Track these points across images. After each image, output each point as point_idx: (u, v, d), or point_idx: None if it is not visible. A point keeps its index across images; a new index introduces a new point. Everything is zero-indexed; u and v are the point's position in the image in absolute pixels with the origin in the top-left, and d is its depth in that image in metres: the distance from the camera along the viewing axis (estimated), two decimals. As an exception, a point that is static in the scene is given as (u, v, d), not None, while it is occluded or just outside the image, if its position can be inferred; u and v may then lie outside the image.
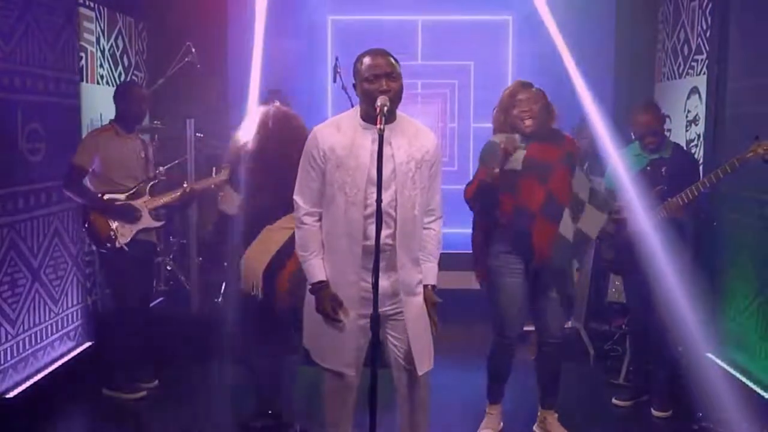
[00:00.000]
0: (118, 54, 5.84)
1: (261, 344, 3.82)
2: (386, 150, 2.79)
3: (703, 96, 5.18)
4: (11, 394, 4.14)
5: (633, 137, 4.43)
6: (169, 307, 5.82)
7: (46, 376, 4.47)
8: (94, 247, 4.85)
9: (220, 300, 5.68)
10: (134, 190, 4.50)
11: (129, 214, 4.43)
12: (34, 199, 4.42)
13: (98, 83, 5.49)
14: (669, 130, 5.55)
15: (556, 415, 4.02)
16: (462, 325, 5.48)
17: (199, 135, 5.64)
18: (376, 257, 2.69)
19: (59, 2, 4.68)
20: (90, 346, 5.01)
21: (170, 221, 5.75)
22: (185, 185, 4.65)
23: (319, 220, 3.01)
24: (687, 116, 5.49)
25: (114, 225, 4.41)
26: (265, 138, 3.66)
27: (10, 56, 4.15)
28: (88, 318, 5.07)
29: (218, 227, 3.80)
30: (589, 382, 4.95)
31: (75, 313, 4.94)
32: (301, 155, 3.03)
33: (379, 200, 2.71)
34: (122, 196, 4.45)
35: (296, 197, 3.04)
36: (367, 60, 2.91)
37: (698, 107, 5.28)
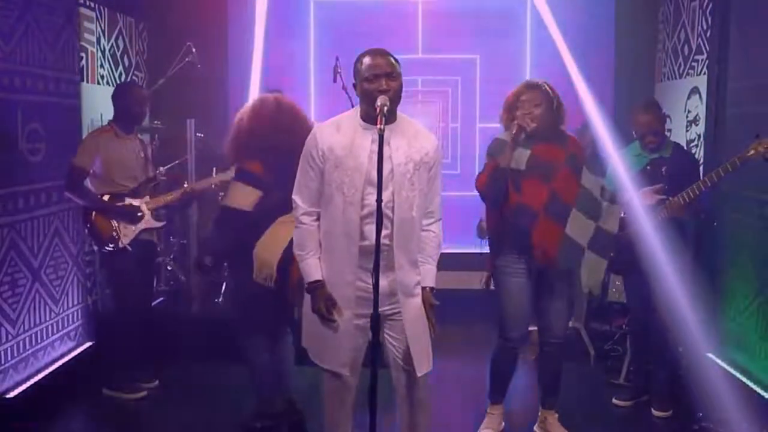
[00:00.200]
0: (118, 54, 5.84)
1: (266, 337, 3.86)
2: (384, 150, 2.79)
3: (704, 96, 5.18)
4: (11, 394, 4.14)
5: (634, 136, 4.42)
6: (169, 307, 5.82)
7: (46, 376, 4.47)
8: (95, 247, 4.86)
9: (220, 300, 5.69)
10: (135, 190, 4.51)
11: (131, 215, 4.44)
12: (34, 199, 4.42)
13: (98, 83, 5.49)
14: (669, 130, 5.55)
15: (557, 415, 4.02)
16: (462, 325, 5.49)
17: (199, 135, 5.63)
18: (377, 257, 2.69)
19: (59, 2, 4.68)
20: (90, 346, 5.01)
21: (170, 221, 5.75)
22: (186, 185, 4.65)
23: (317, 219, 3.01)
24: (687, 116, 5.49)
25: (116, 225, 4.41)
26: (278, 131, 3.65)
27: (10, 56, 4.15)
28: (88, 318, 5.07)
29: (221, 230, 3.75)
30: (589, 382, 4.95)
31: (75, 313, 4.94)
32: None
33: (379, 200, 2.71)
34: (127, 200, 4.46)
35: (295, 196, 3.05)
36: (367, 60, 2.91)
37: (698, 107, 5.28)
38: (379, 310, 2.78)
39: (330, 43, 6.50)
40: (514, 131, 3.61)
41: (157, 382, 4.71)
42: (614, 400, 4.53)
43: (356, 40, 6.19)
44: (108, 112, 4.69)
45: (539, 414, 4.06)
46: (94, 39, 5.43)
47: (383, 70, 2.87)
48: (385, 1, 6.71)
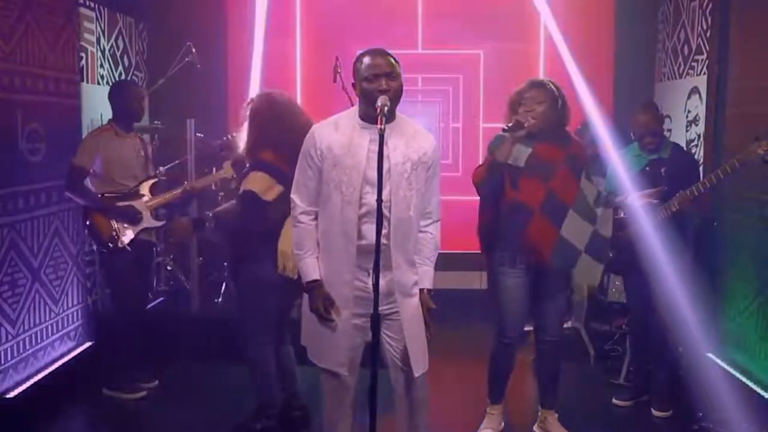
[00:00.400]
0: (118, 54, 5.84)
1: (271, 334, 3.90)
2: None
3: (704, 96, 5.18)
4: (11, 394, 4.14)
5: (632, 137, 4.43)
6: (169, 307, 5.82)
7: (46, 376, 4.47)
8: (94, 247, 4.86)
9: (220, 300, 5.69)
10: (135, 189, 4.51)
11: (130, 215, 4.44)
12: (34, 199, 4.42)
13: (98, 83, 5.49)
14: (669, 130, 5.56)
15: (557, 415, 4.02)
16: (462, 325, 5.49)
17: (199, 135, 5.64)
18: (377, 257, 2.69)
19: (59, 2, 4.68)
20: (90, 346, 5.01)
21: (170, 221, 5.75)
22: (186, 184, 4.65)
23: (315, 218, 3.02)
24: (687, 116, 5.49)
25: (116, 225, 4.41)
26: (293, 126, 3.64)
27: (10, 56, 4.15)
28: (88, 318, 5.07)
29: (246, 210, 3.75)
30: (589, 382, 4.95)
31: (75, 313, 4.94)
32: None
33: (379, 200, 2.71)
34: (128, 201, 4.46)
35: (293, 196, 3.05)
36: (366, 59, 2.91)
37: (698, 107, 5.28)
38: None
39: (324, 38, 6.43)
40: (510, 124, 3.61)
41: (157, 382, 4.72)
42: (614, 400, 4.53)
43: (353, 34, 6.20)
44: (108, 112, 4.69)
45: (539, 414, 4.06)
46: (93, 39, 5.43)
47: (383, 70, 2.87)
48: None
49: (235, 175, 4.26)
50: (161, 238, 5.87)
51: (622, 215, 4.27)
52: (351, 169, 2.90)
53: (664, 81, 6.06)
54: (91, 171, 4.40)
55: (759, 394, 4.15)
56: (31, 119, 4.35)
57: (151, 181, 4.60)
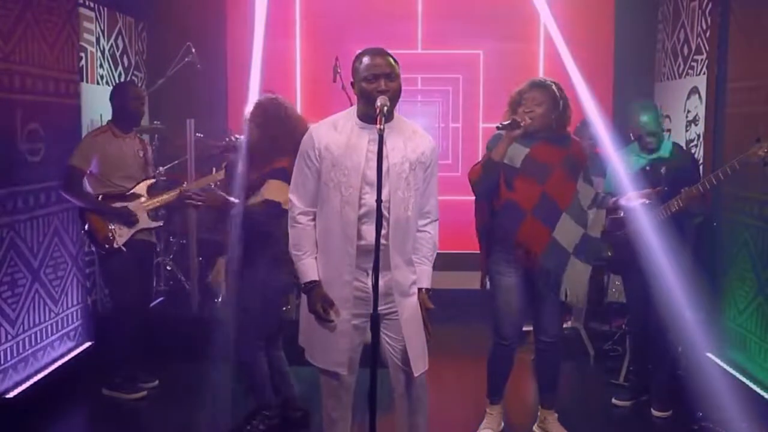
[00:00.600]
0: (118, 54, 5.84)
1: (270, 335, 3.92)
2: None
3: (703, 96, 5.19)
4: (11, 394, 4.14)
5: (632, 137, 4.42)
6: (169, 307, 5.82)
7: (46, 376, 4.48)
8: (93, 248, 4.86)
9: (220, 300, 5.69)
10: (132, 190, 4.50)
11: (125, 217, 4.43)
12: (34, 199, 4.42)
13: (98, 83, 5.49)
14: (669, 130, 5.56)
15: (556, 415, 4.02)
16: (461, 325, 5.50)
17: (199, 135, 5.64)
18: (376, 257, 2.69)
19: (59, 2, 4.68)
20: (90, 346, 5.02)
21: (170, 221, 5.75)
22: (183, 185, 4.65)
23: (313, 219, 3.01)
24: (687, 116, 5.49)
25: (111, 226, 4.41)
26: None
27: (10, 56, 4.15)
28: (88, 318, 5.07)
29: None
30: (589, 382, 4.96)
31: (75, 313, 4.94)
32: None
33: (379, 200, 2.71)
34: (124, 202, 4.46)
35: (291, 196, 3.05)
36: (366, 59, 2.91)
37: (698, 107, 5.28)
38: (376, 309, 2.78)
39: (324, 37, 6.43)
40: (504, 122, 3.60)
41: (156, 382, 4.72)
42: (614, 400, 4.53)
43: (353, 34, 6.20)
44: (108, 112, 4.69)
45: (539, 414, 4.06)
46: (93, 39, 5.44)
47: (382, 70, 2.87)
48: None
49: (222, 177, 4.25)
50: (161, 238, 5.89)
51: (621, 215, 4.27)
52: (350, 169, 2.90)
53: (663, 81, 6.06)
54: (88, 172, 4.40)
55: (759, 394, 4.16)
56: (31, 119, 4.35)
57: (148, 182, 4.60)
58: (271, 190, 3.68)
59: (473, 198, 3.90)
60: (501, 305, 3.81)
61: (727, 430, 3.95)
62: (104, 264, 4.62)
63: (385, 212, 2.88)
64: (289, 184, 3.58)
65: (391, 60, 2.92)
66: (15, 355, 4.25)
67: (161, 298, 5.90)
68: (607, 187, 4.32)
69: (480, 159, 3.85)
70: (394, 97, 2.89)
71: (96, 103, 5.33)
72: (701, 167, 4.79)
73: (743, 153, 3.78)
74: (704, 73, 5.18)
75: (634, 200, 4.12)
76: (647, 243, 4.06)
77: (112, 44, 5.74)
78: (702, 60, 5.25)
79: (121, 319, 4.55)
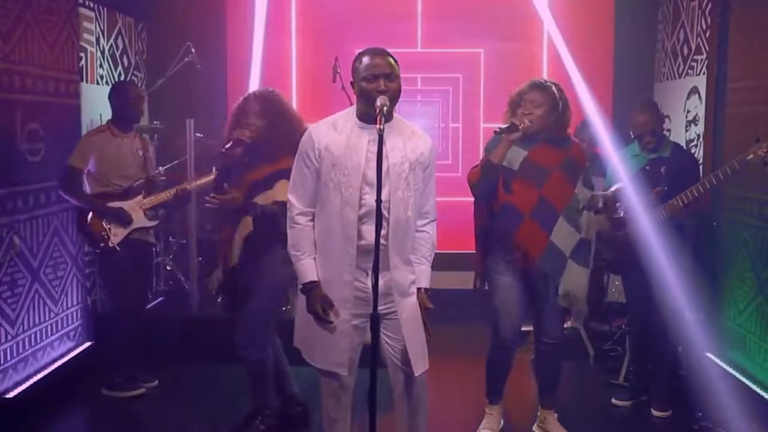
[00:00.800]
0: (117, 54, 5.84)
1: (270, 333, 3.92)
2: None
3: (703, 96, 5.19)
4: (11, 394, 4.14)
5: (632, 137, 4.43)
6: (169, 307, 5.81)
7: (46, 376, 4.48)
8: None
9: (219, 300, 5.67)
10: (129, 189, 4.50)
11: (119, 216, 4.43)
12: (34, 199, 4.42)
13: (98, 83, 5.49)
14: (669, 130, 5.56)
15: (556, 415, 4.02)
16: (460, 325, 5.50)
17: (199, 135, 5.64)
18: (376, 257, 2.69)
19: (59, 2, 4.68)
20: (90, 346, 5.02)
21: (170, 221, 5.75)
22: (181, 185, 4.65)
23: (312, 219, 3.01)
24: (687, 116, 5.49)
25: (107, 225, 4.41)
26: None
27: (10, 56, 4.15)
28: (87, 318, 5.07)
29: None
30: (589, 382, 4.96)
31: (75, 313, 4.94)
32: None
33: (378, 200, 2.71)
34: (121, 202, 4.45)
35: (290, 196, 3.05)
36: (366, 59, 2.91)
37: (698, 107, 5.29)
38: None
39: (324, 37, 6.40)
40: (503, 126, 3.60)
41: (156, 382, 4.71)
42: (614, 400, 4.52)
43: (352, 33, 6.19)
44: (107, 112, 4.69)
45: (538, 414, 4.06)
46: (93, 39, 5.43)
47: (382, 70, 2.87)
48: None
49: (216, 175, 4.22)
50: (161, 238, 5.88)
51: (621, 215, 4.27)
52: (350, 169, 2.90)
53: (663, 81, 6.06)
54: (87, 171, 4.40)
55: (759, 394, 4.16)
56: (30, 119, 4.35)
57: (146, 182, 4.60)
58: (285, 191, 3.65)
59: (472, 198, 3.91)
60: (499, 305, 3.80)
61: (727, 430, 3.95)
62: (101, 263, 4.63)
63: (384, 212, 2.88)
64: None
65: (391, 60, 2.92)
66: (15, 355, 4.25)
67: (161, 298, 5.90)
68: (598, 196, 4.31)
69: (480, 160, 3.84)
70: (394, 97, 2.89)
71: (96, 103, 5.33)
72: (701, 167, 4.79)
73: (743, 153, 3.78)
74: (704, 73, 5.18)
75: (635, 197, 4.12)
76: (647, 243, 4.06)
77: (111, 44, 5.74)
78: (702, 60, 5.25)
79: (120, 318, 4.55)
